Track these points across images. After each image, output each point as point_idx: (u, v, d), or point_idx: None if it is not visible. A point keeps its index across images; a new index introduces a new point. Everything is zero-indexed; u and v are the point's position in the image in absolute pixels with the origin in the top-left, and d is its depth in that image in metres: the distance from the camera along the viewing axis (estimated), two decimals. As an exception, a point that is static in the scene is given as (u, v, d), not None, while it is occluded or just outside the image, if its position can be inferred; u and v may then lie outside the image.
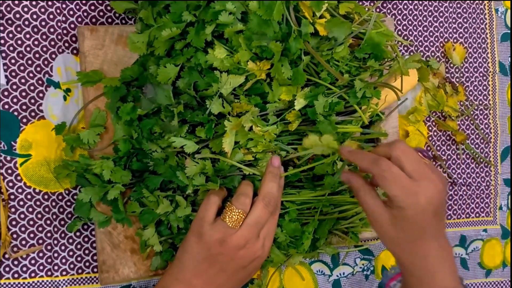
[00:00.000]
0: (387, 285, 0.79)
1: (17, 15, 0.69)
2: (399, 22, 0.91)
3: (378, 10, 0.88)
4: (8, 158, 0.69)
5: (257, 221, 0.62)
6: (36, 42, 0.70)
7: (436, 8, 0.93)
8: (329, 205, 0.72)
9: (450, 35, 0.94)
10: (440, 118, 0.93)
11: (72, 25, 0.72)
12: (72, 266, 0.72)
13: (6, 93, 0.69)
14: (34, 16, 0.70)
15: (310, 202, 0.71)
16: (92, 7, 0.73)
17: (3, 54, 0.68)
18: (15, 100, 0.69)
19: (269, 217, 0.64)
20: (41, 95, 0.70)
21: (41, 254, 0.70)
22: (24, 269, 0.70)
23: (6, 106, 0.69)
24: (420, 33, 0.92)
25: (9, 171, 0.69)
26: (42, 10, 0.70)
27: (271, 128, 0.65)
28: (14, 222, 0.69)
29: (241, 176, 0.68)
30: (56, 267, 0.71)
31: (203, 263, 0.62)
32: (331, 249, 0.79)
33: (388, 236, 0.60)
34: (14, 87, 0.69)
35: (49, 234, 0.71)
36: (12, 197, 0.69)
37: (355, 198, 0.65)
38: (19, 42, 0.69)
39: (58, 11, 0.71)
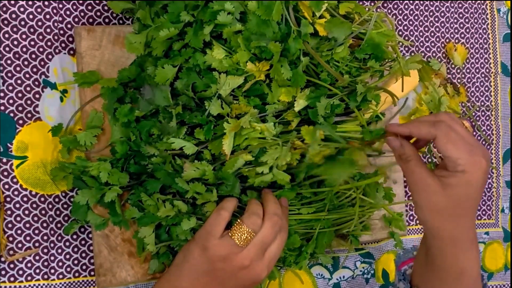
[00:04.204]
0: (400, 267, 0.77)
1: (13, 15, 0.68)
2: (400, 22, 0.90)
3: (378, 10, 0.88)
4: (4, 160, 0.69)
5: (263, 241, 0.62)
6: (32, 43, 0.69)
7: (437, 8, 0.92)
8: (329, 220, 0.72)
9: (452, 36, 0.93)
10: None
11: (69, 25, 0.71)
12: (68, 269, 0.71)
13: (2, 94, 0.68)
14: (31, 16, 0.69)
15: (310, 220, 0.70)
16: (89, 7, 0.72)
17: (-1, 55, 0.68)
18: (11, 101, 0.69)
19: (275, 238, 0.63)
20: (37, 96, 0.70)
21: (37, 257, 0.70)
22: (20, 272, 0.69)
23: (2, 108, 0.68)
24: (421, 34, 0.91)
25: (5, 173, 0.68)
26: (39, 10, 0.70)
27: (269, 125, 0.64)
28: (10, 225, 0.68)
29: (241, 187, 0.67)
30: (52, 271, 0.70)
31: (203, 276, 0.61)
32: (327, 259, 0.78)
33: (434, 206, 0.57)
34: (10, 88, 0.69)
35: (45, 237, 0.70)
36: (8, 199, 0.69)
37: (401, 167, 0.61)
38: (15, 42, 0.69)
39: (55, 11, 0.70)
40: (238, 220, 0.62)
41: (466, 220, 0.58)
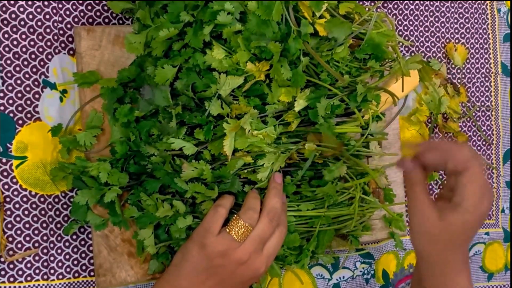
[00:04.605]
0: (396, 286, 0.78)
1: (13, 15, 0.68)
2: (400, 22, 0.90)
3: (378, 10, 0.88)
4: (4, 160, 0.68)
5: (261, 236, 0.62)
6: (32, 43, 0.69)
7: (437, 8, 0.92)
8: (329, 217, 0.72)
9: (452, 36, 0.93)
10: (442, 120, 0.92)
11: (69, 25, 0.71)
12: (68, 269, 0.71)
13: (1, 95, 0.68)
14: (30, 16, 0.69)
15: (309, 217, 0.70)
16: (89, 7, 0.72)
17: (-1, 55, 0.68)
18: (10, 101, 0.69)
19: (273, 232, 0.64)
20: (37, 96, 0.70)
21: (37, 258, 0.70)
22: (20, 272, 0.69)
23: (2, 108, 0.68)
24: (421, 34, 0.91)
25: (5, 173, 0.68)
26: (38, 10, 0.69)
27: (269, 129, 0.64)
28: (9, 225, 0.68)
29: (241, 183, 0.67)
30: (52, 271, 0.70)
31: (202, 274, 0.61)
32: (328, 258, 0.78)
33: (429, 233, 0.59)
34: (10, 88, 0.68)
35: (45, 237, 0.70)
36: (8, 199, 0.68)
37: (406, 190, 0.65)
38: (15, 42, 0.68)
39: (55, 11, 0.70)
40: (235, 215, 0.62)
41: (459, 249, 0.60)
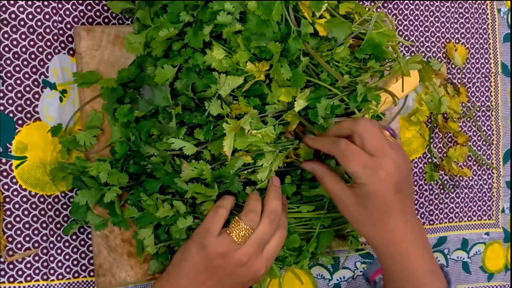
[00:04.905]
0: (372, 278, 0.79)
1: (13, 15, 0.68)
2: (400, 22, 0.90)
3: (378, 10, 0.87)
4: (3, 160, 0.68)
5: (261, 238, 0.62)
6: (32, 43, 0.69)
7: (437, 8, 0.92)
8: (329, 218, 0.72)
9: (452, 36, 0.93)
10: (442, 120, 0.92)
11: (68, 25, 0.71)
12: (68, 269, 0.71)
13: (1, 95, 0.68)
14: (30, 16, 0.69)
15: (309, 218, 0.70)
16: (89, 7, 0.72)
17: (-2, 55, 0.68)
18: (10, 101, 0.68)
19: (273, 234, 0.64)
20: (36, 96, 0.70)
21: (36, 258, 0.70)
22: (20, 273, 0.69)
23: (1, 108, 0.68)
24: (421, 34, 0.91)
25: (4, 174, 0.68)
26: (38, 10, 0.69)
27: (269, 129, 0.64)
28: (9, 225, 0.68)
29: (241, 183, 0.67)
30: (52, 271, 0.70)
31: (201, 274, 0.61)
32: (328, 259, 0.78)
33: (354, 216, 0.62)
34: (10, 88, 0.68)
35: (45, 238, 0.70)
36: (8, 199, 0.68)
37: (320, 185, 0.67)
38: (15, 42, 0.68)
39: (54, 11, 0.70)
40: (236, 218, 0.62)
41: (388, 226, 0.61)
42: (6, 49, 0.68)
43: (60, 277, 0.71)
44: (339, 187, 0.62)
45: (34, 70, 0.69)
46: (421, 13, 0.91)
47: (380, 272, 0.78)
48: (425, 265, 0.61)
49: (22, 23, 0.69)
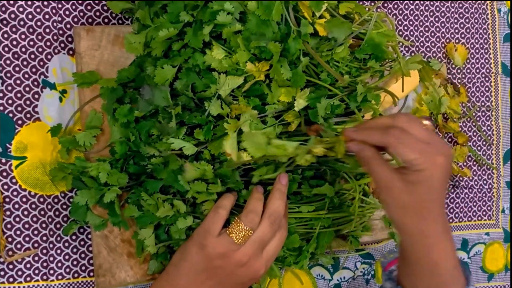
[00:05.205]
0: (386, 268, 0.78)
1: (12, 15, 0.68)
2: (400, 22, 0.90)
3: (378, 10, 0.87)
4: (3, 160, 0.68)
5: (261, 239, 0.62)
6: (31, 43, 0.69)
7: (437, 8, 0.92)
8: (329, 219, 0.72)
9: (452, 36, 0.93)
10: (442, 120, 0.92)
11: (68, 25, 0.71)
12: (68, 270, 0.71)
13: (1, 95, 0.68)
14: (30, 16, 0.69)
15: (309, 218, 0.70)
16: (89, 7, 0.72)
17: (-2, 55, 0.68)
18: (10, 101, 0.68)
19: (274, 235, 0.64)
20: (36, 96, 0.70)
21: (36, 258, 0.70)
22: (20, 273, 0.69)
23: (1, 108, 0.68)
24: (421, 34, 0.91)
25: (4, 174, 0.68)
26: (38, 10, 0.69)
27: (268, 130, 0.64)
28: (9, 225, 0.68)
29: (243, 182, 0.67)
30: (51, 271, 0.70)
31: (201, 274, 0.61)
32: (328, 259, 0.78)
33: (399, 202, 0.59)
34: (9, 88, 0.68)
35: (44, 238, 0.70)
36: (7, 200, 0.68)
37: (364, 169, 0.63)
38: (14, 42, 0.68)
39: (54, 11, 0.70)
40: (236, 218, 0.62)
41: (432, 215, 0.59)
42: (6, 49, 0.68)
43: (59, 277, 0.71)
44: (389, 172, 0.59)
45: (33, 70, 0.69)
46: (421, 13, 0.91)
47: (394, 262, 0.77)
48: (453, 261, 0.61)
49: (22, 23, 0.69)
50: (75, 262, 0.71)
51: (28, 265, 0.69)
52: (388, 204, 0.60)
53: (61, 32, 0.71)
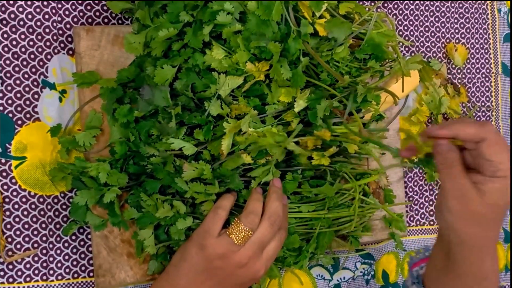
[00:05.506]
0: (414, 266, 0.77)
1: (12, 15, 0.68)
2: (400, 22, 0.90)
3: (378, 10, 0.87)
4: (3, 160, 0.68)
5: (261, 240, 0.62)
6: (31, 43, 0.69)
7: (437, 8, 0.92)
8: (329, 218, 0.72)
9: (452, 36, 0.93)
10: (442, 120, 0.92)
11: (68, 25, 0.71)
12: (67, 270, 0.71)
13: (1, 95, 0.68)
14: (29, 16, 0.69)
15: (309, 218, 0.70)
16: (88, 7, 0.72)
17: (-2, 55, 0.68)
18: (9, 101, 0.68)
19: (273, 236, 0.63)
20: (36, 96, 0.69)
21: (36, 258, 0.69)
22: (19, 273, 0.69)
23: (1, 108, 0.68)
24: (421, 34, 0.91)
25: (4, 174, 0.68)
26: (38, 10, 0.69)
27: (267, 129, 0.64)
28: (9, 226, 0.68)
29: (243, 182, 0.67)
30: (51, 272, 0.70)
31: (201, 275, 0.61)
32: (328, 259, 0.78)
33: (471, 213, 0.55)
34: (9, 88, 0.68)
35: (44, 238, 0.70)
36: (7, 200, 0.68)
37: (441, 173, 0.57)
38: (14, 42, 0.68)
39: (54, 11, 0.70)
40: (236, 219, 0.62)
41: (497, 226, 0.57)
42: (6, 49, 0.68)
43: (59, 277, 0.71)
44: (467, 180, 0.55)
45: (33, 70, 0.69)
46: (421, 13, 0.91)
47: (418, 264, 0.75)
48: (498, 273, 0.60)
49: (21, 23, 0.69)
50: (75, 263, 0.71)
51: (28, 266, 0.69)
52: (455, 212, 0.56)
53: (60, 32, 0.71)
